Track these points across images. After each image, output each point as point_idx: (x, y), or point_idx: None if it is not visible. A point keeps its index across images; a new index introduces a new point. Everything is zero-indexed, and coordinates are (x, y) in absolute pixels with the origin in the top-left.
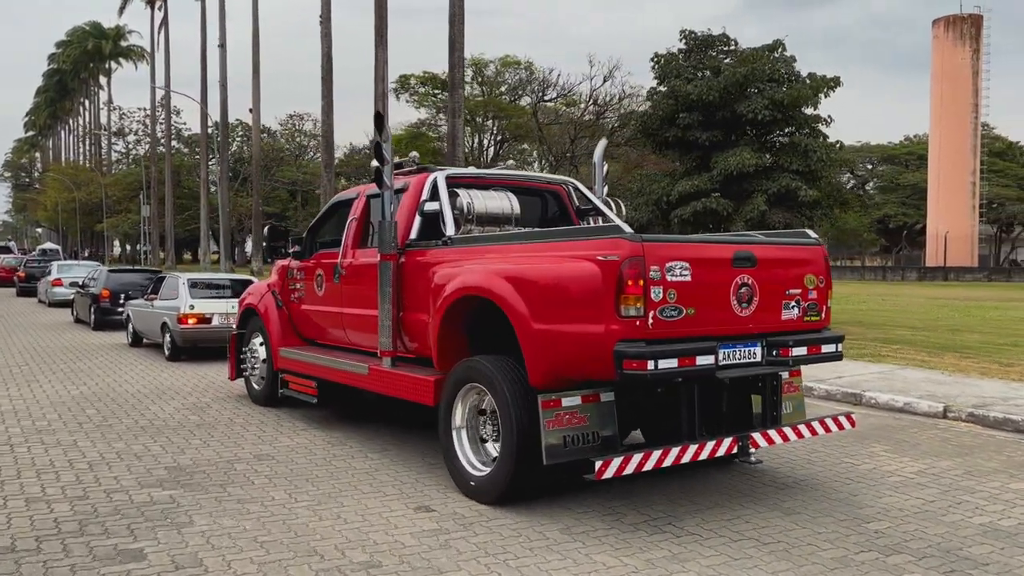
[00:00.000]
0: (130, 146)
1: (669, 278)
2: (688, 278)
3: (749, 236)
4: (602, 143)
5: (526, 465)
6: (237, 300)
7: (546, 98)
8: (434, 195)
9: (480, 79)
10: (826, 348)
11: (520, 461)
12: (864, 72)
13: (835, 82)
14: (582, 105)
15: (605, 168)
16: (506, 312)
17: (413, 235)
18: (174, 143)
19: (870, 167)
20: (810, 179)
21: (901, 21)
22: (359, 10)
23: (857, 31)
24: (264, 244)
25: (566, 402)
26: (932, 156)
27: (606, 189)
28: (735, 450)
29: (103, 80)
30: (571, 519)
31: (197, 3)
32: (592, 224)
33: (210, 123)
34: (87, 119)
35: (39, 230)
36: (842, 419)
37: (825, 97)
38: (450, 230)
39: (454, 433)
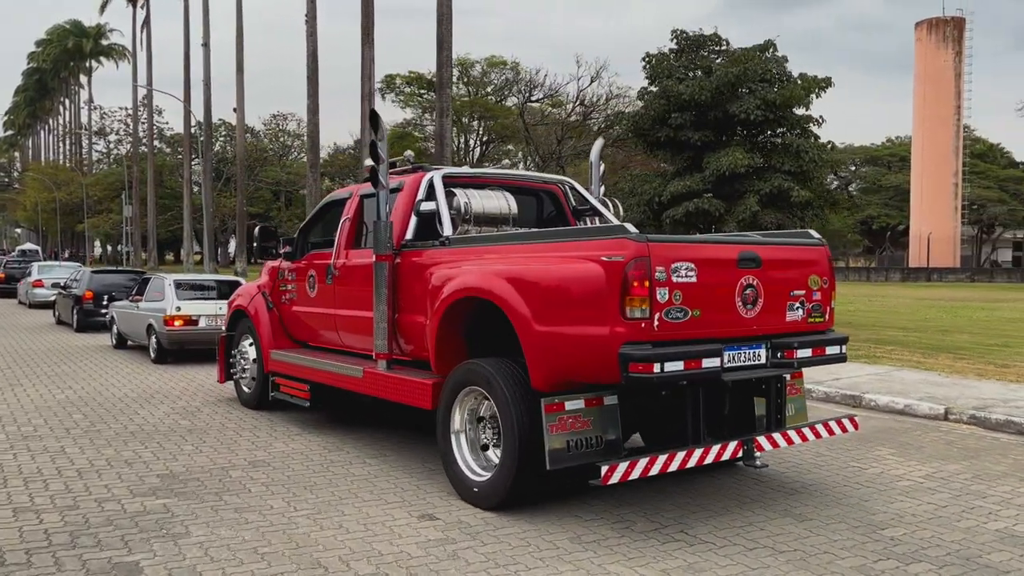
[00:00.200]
0: (111, 146)
1: (675, 279)
2: (694, 279)
3: (751, 236)
4: (599, 142)
5: (528, 470)
6: (224, 301)
7: (533, 99)
8: (430, 195)
9: (466, 79)
10: (830, 350)
11: (522, 466)
12: (845, 74)
13: (826, 82)
14: (569, 106)
15: (602, 168)
16: (507, 314)
17: (409, 235)
18: (156, 143)
19: (853, 168)
20: (802, 180)
21: (880, 24)
22: (343, 10)
23: (837, 34)
24: (255, 244)
25: (569, 406)
26: (915, 158)
27: (603, 189)
28: (740, 454)
29: (84, 79)
30: (580, 527)
31: (180, 1)
32: (589, 224)
33: (193, 122)
34: (67, 118)
35: (18, 231)
36: (845, 422)
37: (817, 98)
38: (447, 230)
39: (453, 437)
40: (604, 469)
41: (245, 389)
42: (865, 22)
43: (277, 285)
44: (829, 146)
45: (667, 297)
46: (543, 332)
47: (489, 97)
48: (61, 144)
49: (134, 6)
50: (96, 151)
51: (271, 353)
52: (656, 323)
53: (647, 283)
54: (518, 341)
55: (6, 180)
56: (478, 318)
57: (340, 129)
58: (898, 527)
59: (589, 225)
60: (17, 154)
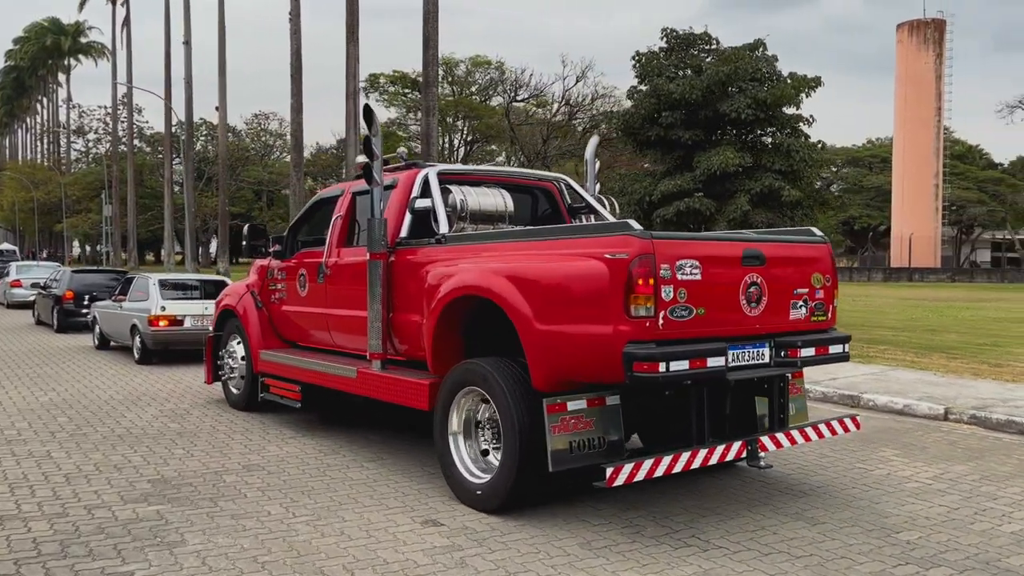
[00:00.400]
0: (90, 145)
1: (680, 276)
2: (698, 276)
3: (750, 234)
4: (595, 139)
5: (528, 470)
6: (210, 301)
7: (518, 98)
8: (425, 192)
9: (451, 79)
10: (833, 349)
11: (522, 467)
12: (826, 75)
13: (816, 82)
14: (554, 106)
15: (597, 165)
16: (508, 313)
17: (403, 233)
18: (137, 142)
19: (834, 169)
20: (792, 179)
21: (861, 25)
22: (327, 8)
23: (820, 35)
24: (244, 243)
25: (572, 406)
26: (896, 159)
27: (598, 186)
28: (744, 454)
29: (62, 77)
30: (589, 532)
31: None
32: (585, 222)
33: (175, 121)
34: (45, 117)
35: None
36: (847, 421)
37: (807, 97)
38: (443, 228)
39: (451, 439)
40: (609, 471)
41: (234, 390)
42: (847, 23)
43: (266, 284)
44: (819, 145)
45: (672, 295)
46: (545, 331)
47: (474, 97)
48: (39, 143)
49: (114, 3)
50: (75, 150)
51: (260, 353)
52: (661, 322)
53: (652, 281)
54: (517, 340)
55: None
56: (476, 317)
57: (323, 129)
58: (912, 530)
59: (586, 223)
60: None
